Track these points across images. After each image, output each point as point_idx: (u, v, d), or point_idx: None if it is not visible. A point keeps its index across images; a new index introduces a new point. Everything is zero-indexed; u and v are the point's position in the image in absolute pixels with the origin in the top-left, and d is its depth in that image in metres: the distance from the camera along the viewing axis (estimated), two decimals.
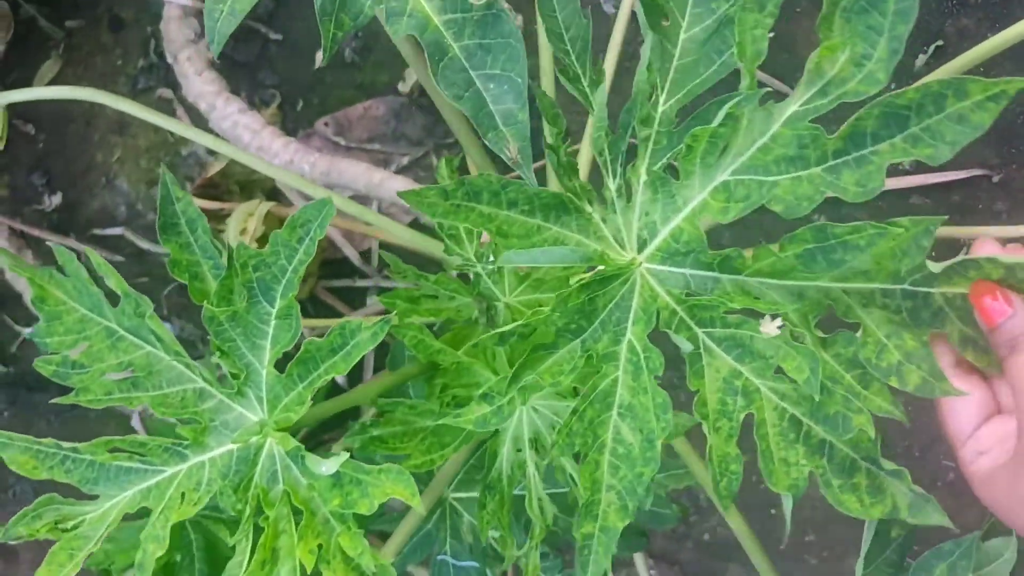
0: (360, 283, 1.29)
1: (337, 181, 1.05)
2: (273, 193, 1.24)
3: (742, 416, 0.55)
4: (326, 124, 1.31)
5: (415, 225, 1.17)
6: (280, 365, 0.65)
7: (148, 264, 1.28)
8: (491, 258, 0.74)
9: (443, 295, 0.78)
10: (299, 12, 1.25)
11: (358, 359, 0.63)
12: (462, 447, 0.76)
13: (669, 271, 0.57)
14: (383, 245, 1.24)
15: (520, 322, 0.53)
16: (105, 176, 1.27)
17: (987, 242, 0.52)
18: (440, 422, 0.60)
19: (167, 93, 1.28)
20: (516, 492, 0.76)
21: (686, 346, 0.56)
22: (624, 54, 0.88)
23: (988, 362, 0.51)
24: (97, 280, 0.68)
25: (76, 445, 0.65)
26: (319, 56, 1.32)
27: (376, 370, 1.29)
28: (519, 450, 0.74)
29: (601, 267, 0.56)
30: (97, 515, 0.65)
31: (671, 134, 0.57)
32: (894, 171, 1.13)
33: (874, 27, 0.46)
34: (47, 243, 1.26)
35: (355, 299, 1.29)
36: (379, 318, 0.62)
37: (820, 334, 0.55)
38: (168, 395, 0.66)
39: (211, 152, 1.28)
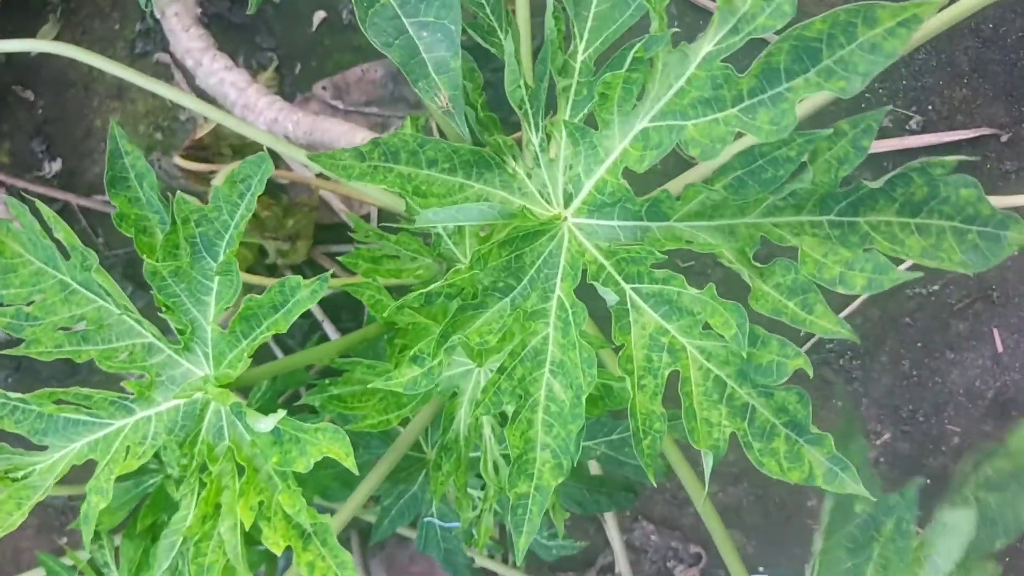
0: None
1: (320, 140, 1.04)
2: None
3: (667, 373, 0.54)
4: (324, 88, 1.30)
5: None
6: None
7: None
8: None
9: (404, 255, 0.77)
10: None
11: (297, 316, 0.62)
12: (420, 408, 0.76)
13: (597, 224, 0.55)
14: (382, 210, 1.24)
15: (445, 281, 0.52)
16: (104, 141, 1.28)
17: None
18: (369, 386, 0.60)
19: (164, 58, 1.28)
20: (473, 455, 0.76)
21: (612, 298, 0.55)
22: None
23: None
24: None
25: (24, 396, 0.65)
26: (317, 18, 1.31)
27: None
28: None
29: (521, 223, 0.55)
30: (46, 465, 0.66)
31: (591, 84, 0.55)
32: (901, 131, 1.09)
33: None
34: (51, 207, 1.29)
35: None
36: (321, 276, 0.62)
37: (758, 265, 0.53)
38: (117, 349, 0.66)
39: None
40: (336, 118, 1.13)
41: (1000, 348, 1.08)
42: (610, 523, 1.04)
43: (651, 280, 0.55)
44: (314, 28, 1.28)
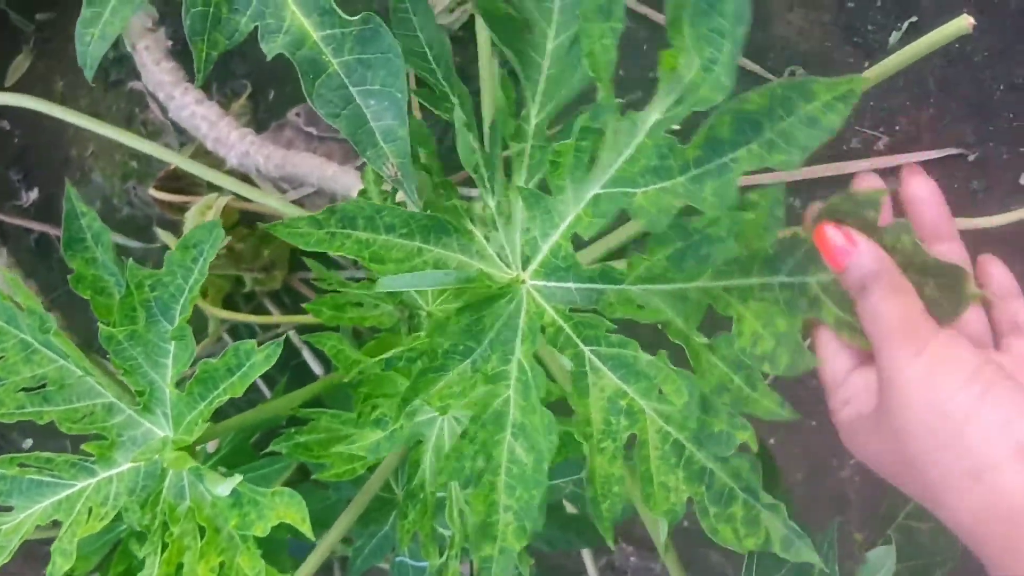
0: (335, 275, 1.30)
1: (291, 174, 1.05)
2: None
3: (626, 436, 0.54)
4: (297, 114, 1.30)
5: None
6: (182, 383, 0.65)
7: (125, 258, 1.30)
8: None
9: (368, 303, 0.78)
10: None
11: (254, 379, 0.63)
12: (384, 456, 0.76)
13: (554, 286, 0.56)
14: None
15: (404, 348, 0.53)
16: (80, 170, 1.28)
17: (868, 176, 0.50)
18: (334, 449, 0.60)
19: (138, 85, 1.28)
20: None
21: (568, 364, 0.55)
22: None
23: (864, 343, 0.49)
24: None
25: None
26: None
27: None
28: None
29: (481, 287, 0.55)
30: (11, 526, 0.67)
31: (544, 148, 0.55)
32: (869, 152, 1.09)
33: (717, 30, 0.44)
34: (25, 240, 1.29)
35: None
36: (274, 341, 0.62)
37: (703, 339, 0.53)
38: (77, 409, 0.67)
39: (182, 144, 1.28)
40: (308, 151, 1.14)
41: None
42: (585, 554, 1.05)
43: (608, 344, 0.55)
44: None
